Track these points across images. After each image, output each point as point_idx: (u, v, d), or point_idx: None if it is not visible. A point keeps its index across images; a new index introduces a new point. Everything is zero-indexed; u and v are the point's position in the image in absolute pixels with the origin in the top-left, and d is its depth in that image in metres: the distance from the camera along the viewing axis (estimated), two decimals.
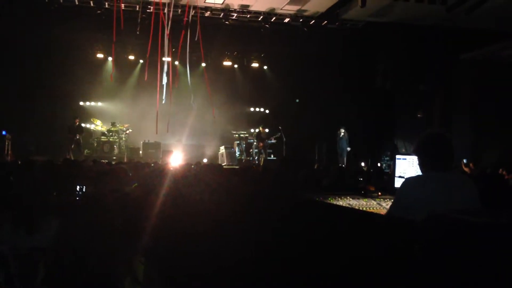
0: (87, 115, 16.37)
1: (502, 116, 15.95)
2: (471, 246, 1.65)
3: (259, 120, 17.21)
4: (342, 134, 15.49)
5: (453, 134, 15.13)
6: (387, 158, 15.58)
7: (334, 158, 15.51)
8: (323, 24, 14.44)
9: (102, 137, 15.59)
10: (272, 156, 15.76)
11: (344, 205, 3.37)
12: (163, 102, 12.09)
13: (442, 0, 11.38)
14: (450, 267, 1.65)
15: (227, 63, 17.29)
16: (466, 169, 9.79)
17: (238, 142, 16.39)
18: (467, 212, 1.96)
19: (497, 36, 14.49)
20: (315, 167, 10.98)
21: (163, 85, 11.97)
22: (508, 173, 9.15)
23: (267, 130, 15.94)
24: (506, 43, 14.92)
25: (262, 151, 15.48)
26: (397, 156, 3.92)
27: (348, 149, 15.49)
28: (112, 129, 15.64)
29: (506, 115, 15.94)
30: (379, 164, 14.49)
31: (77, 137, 14.41)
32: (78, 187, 4.20)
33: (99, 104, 17.19)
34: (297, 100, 17.37)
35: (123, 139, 15.82)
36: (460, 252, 1.65)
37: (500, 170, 9.91)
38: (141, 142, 15.62)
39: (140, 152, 15.60)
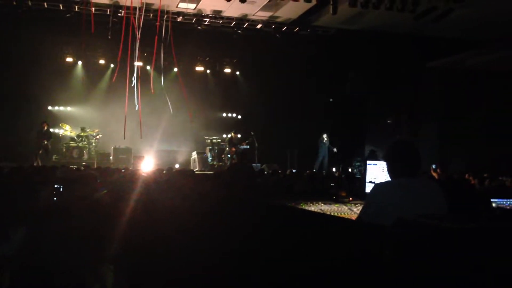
0: (56, 120, 16.03)
1: (468, 123, 16.40)
2: (439, 250, 1.68)
3: (231, 125, 17.18)
4: (325, 140, 15.58)
5: (421, 140, 15.47)
6: (358, 164, 15.77)
7: (306, 164, 15.60)
8: (295, 30, 14.56)
9: (71, 142, 15.29)
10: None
11: (315, 210, 3.39)
12: (136, 108, 11.95)
13: (411, 9, 11.62)
14: (419, 270, 1.68)
15: (200, 68, 17.24)
16: (434, 174, 10.01)
17: (210, 147, 16.32)
18: (435, 217, 2.00)
19: (463, 45, 14.92)
20: (287, 172, 11.03)
21: (134, 90, 11.83)
22: (474, 178, 9.39)
23: (239, 136, 15.94)
24: (471, 52, 15.37)
25: (235, 156, 15.45)
26: (368, 162, 3.98)
27: (335, 150, 15.60)
28: (82, 134, 15.36)
29: (471, 122, 16.40)
30: (350, 170, 14.65)
31: (45, 142, 14.08)
32: (47, 194, 4.11)
33: (68, 108, 16.87)
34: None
35: (93, 144, 15.56)
36: (428, 256, 1.68)
37: (467, 175, 10.17)
38: (112, 148, 15.38)
39: (111, 157, 15.35)
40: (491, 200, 3.57)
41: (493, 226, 2.00)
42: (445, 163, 11.17)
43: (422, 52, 15.36)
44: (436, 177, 9.65)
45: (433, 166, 10.36)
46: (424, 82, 16.87)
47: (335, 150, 15.65)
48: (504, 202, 3.61)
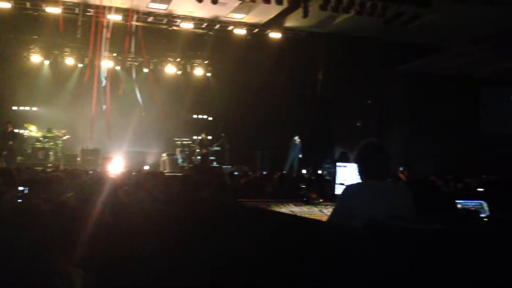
0: (21, 120, 15.62)
1: (434, 126, 16.80)
2: (408, 251, 1.71)
3: (202, 127, 17.09)
4: (297, 142, 15.63)
5: (389, 142, 15.75)
6: (328, 166, 15.92)
7: (277, 166, 15.65)
8: (266, 32, 14.61)
9: (37, 143, 14.90)
10: (215, 163, 15.70)
11: (286, 212, 3.40)
12: (104, 108, 11.75)
13: (380, 14, 11.81)
14: (388, 271, 1.69)
15: (170, 69, 17.09)
16: (401, 176, 10.19)
17: (180, 149, 16.19)
18: (403, 218, 2.03)
19: (430, 50, 15.27)
20: (257, 174, 11.04)
21: (102, 90, 11.64)
22: (439, 180, 9.61)
23: (210, 137, 15.87)
24: (438, 56, 15.75)
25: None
26: (338, 164, 4.01)
27: (300, 156, 15.67)
28: (48, 135, 14.98)
29: (437, 125, 16.81)
30: (320, 172, 14.77)
31: (10, 143, 13.69)
32: (12, 196, 3.99)
33: (34, 108, 16.46)
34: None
35: (60, 145, 15.20)
36: (397, 257, 1.70)
37: (432, 177, 10.39)
38: (79, 149, 15.08)
39: (78, 159, 15.06)
40: (457, 201, 3.65)
41: (460, 227, 2.04)
42: (411, 165, 11.39)
43: (391, 56, 15.64)
44: (403, 179, 9.83)
45: (401, 169, 10.56)
46: (392, 85, 17.18)
47: (300, 156, 15.71)
48: (469, 203, 3.70)
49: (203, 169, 10.90)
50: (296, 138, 15.66)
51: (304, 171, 15.02)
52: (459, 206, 3.61)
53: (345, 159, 12.83)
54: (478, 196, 4.08)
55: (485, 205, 3.74)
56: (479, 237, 1.77)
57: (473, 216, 2.99)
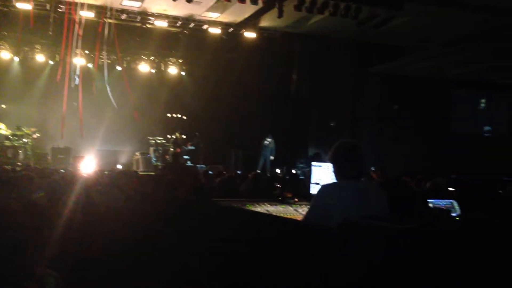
0: None
1: (405, 127, 17.11)
2: (382, 249, 1.73)
3: (176, 126, 16.97)
4: (268, 142, 15.60)
5: (362, 142, 15.93)
6: (302, 165, 16.01)
7: (251, 165, 15.67)
8: (241, 32, 14.60)
9: (6, 141, 14.51)
10: (189, 162, 15.61)
11: (262, 211, 3.40)
12: (75, 105, 11.54)
13: (353, 15, 11.94)
14: (363, 269, 1.71)
15: (144, 67, 16.90)
16: (374, 176, 10.32)
17: (154, 148, 16.04)
18: (378, 218, 2.06)
19: (402, 52, 15.54)
20: (232, 173, 11.02)
21: (72, 87, 11.41)
22: (411, 180, 9.77)
23: (184, 136, 15.76)
24: (409, 59, 16.03)
25: (179, 157, 15.28)
26: (313, 163, 4.03)
27: (272, 158, 15.65)
28: (17, 133, 14.61)
29: (408, 126, 17.12)
30: (294, 171, 14.83)
31: None
32: None
33: (3, 106, 16.03)
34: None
35: (30, 143, 14.85)
36: (372, 255, 1.73)
37: (404, 177, 10.56)
38: (50, 147, 14.78)
39: (49, 157, 14.75)
40: (428, 201, 3.72)
41: (433, 226, 2.08)
42: (383, 166, 11.55)
43: (364, 58, 15.84)
44: (376, 178, 9.96)
45: (372, 169, 10.69)
46: (365, 87, 17.41)
47: (271, 158, 15.71)
48: (440, 203, 3.78)
49: (175, 168, 10.93)
50: (268, 139, 15.63)
51: (278, 171, 15.07)
52: (430, 205, 3.68)
53: (319, 159, 12.94)
54: (449, 196, 4.16)
55: (455, 204, 3.83)
56: (452, 236, 1.80)
57: (445, 215, 3.05)
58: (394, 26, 12.32)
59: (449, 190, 6.28)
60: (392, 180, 7.25)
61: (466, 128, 19.29)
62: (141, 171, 13.54)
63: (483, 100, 19.94)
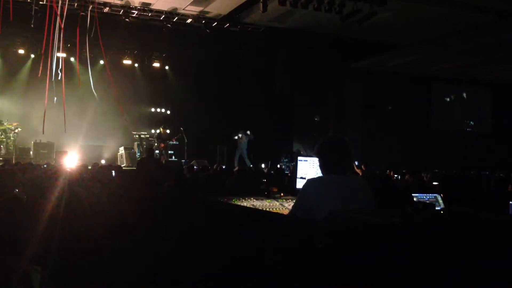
0: None
1: (387, 122, 17.29)
2: (367, 242, 1.75)
3: (160, 120, 16.88)
4: (238, 137, 15.52)
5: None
6: (286, 160, 16.07)
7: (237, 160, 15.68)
8: (225, 26, 14.55)
9: None
10: (173, 157, 15.54)
11: (248, 206, 3.40)
12: (55, 100, 11.34)
13: (337, 10, 11.97)
14: (348, 262, 1.73)
15: (127, 61, 16.74)
16: (358, 171, 10.41)
17: (138, 143, 15.93)
18: (363, 212, 2.08)
19: (384, 48, 15.66)
20: (217, 168, 11.01)
21: (54, 82, 11.21)
22: (394, 175, 9.89)
23: (168, 131, 15.68)
24: (391, 54, 16.16)
25: (163, 152, 15.20)
26: (299, 158, 4.05)
27: (245, 151, 15.61)
28: None
29: (391, 121, 17.30)
30: (279, 166, 14.88)
31: None
32: None
33: None
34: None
35: (11, 138, 14.63)
36: (357, 249, 1.74)
37: (388, 171, 10.68)
38: (32, 142, 14.58)
39: (31, 152, 14.56)
40: (413, 195, 3.77)
41: (416, 220, 2.10)
42: (367, 160, 11.66)
43: (347, 53, 15.92)
44: (360, 173, 10.05)
45: (356, 163, 10.77)
46: (348, 82, 17.52)
47: (245, 151, 15.64)
48: (424, 197, 3.82)
49: (149, 164, 10.93)
50: (240, 134, 15.56)
51: (263, 166, 15.09)
52: (415, 199, 3.72)
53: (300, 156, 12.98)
54: (432, 190, 4.22)
55: (439, 198, 3.88)
56: (436, 229, 1.83)
57: (429, 209, 3.09)
58: (377, 21, 12.39)
59: (433, 184, 6.38)
60: (376, 174, 7.34)
61: (447, 124, 19.57)
62: (125, 166, 13.45)
63: (464, 95, 20.23)
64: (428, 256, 1.62)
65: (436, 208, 3.54)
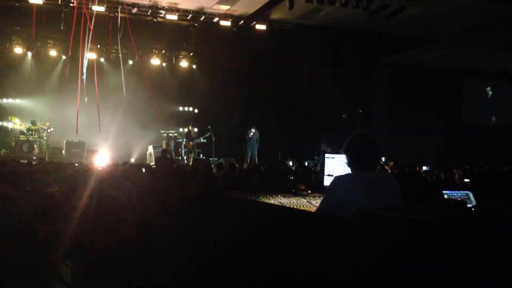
0: (4, 112, 15.41)
1: (416, 118, 16.98)
2: (395, 240, 1.72)
3: (188, 119, 17.02)
4: (252, 134, 15.49)
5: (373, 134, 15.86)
6: (315, 157, 15.99)
7: (263, 158, 15.67)
8: (252, 24, 14.55)
9: (21, 136, 14.71)
10: (201, 155, 15.66)
11: (275, 203, 3.40)
12: (86, 100, 11.59)
13: (365, 6, 11.84)
14: (376, 259, 1.71)
15: (155, 61, 16.95)
16: (386, 167, 10.28)
17: (166, 141, 16.12)
18: (391, 209, 2.05)
19: (414, 42, 15.38)
20: (244, 166, 11.04)
21: (85, 82, 11.47)
22: (424, 171, 9.72)
23: (196, 130, 15.81)
24: (421, 49, 15.87)
25: (192, 150, 15.33)
26: (326, 155, 4.02)
27: (256, 148, 15.58)
28: (32, 127, 14.79)
29: (420, 117, 16.99)
30: (306, 163, 14.82)
31: None
32: None
33: (18, 101, 16.22)
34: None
35: (44, 138, 15.03)
36: (385, 246, 1.72)
37: (417, 168, 10.52)
38: (64, 141, 14.93)
39: (63, 151, 14.91)
40: (443, 192, 3.69)
41: (446, 217, 2.07)
42: (397, 156, 11.51)
43: (375, 48, 15.72)
44: (388, 170, 9.92)
45: (383, 159, 10.64)
46: (376, 78, 17.29)
47: (256, 148, 15.58)
48: (455, 194, 3.74)
49: (163, 161, 11.09)
50: (252, 130, 15.52)
51: (290, 163, 15.06)
52: (446, 196, 3.65)
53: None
54: (464, 187, 4.13)
55: (471, 195, 3.79)
56: (467, 227, 1.79)
57: (460, 206, 3.02)
58: (405, 16, 12.20)
59: (464, 181, 6.24)
60: (406, 171, 7.22)
61: (478, 119, 19.11)
62: (154, 165, 13.63)
63: (495, 90, 19.70)
64: (458, 254, 1.60)
65: (468, 206, 3.47)
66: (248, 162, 14.88)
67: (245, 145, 15.54)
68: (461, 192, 3.80)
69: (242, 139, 15.74)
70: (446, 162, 11.57)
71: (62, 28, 12.27)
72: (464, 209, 2.85)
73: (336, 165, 3.90)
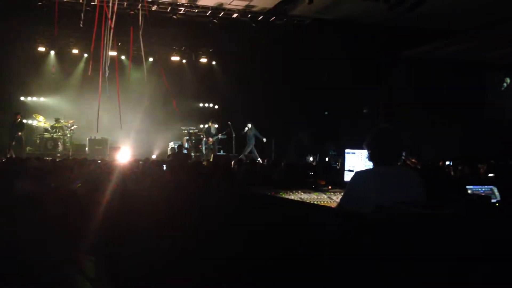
0: (29, 110, 15.70)
1: (439, 111, 16.72)
2: (417, 235, 1.71)
3: (208, 115, 17.11)
4: (248, 129, 15.45)
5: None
6: (335, 153, 15.89)
7: (283, 153, 15.66)
8: (271, 20, 14.50)
9: (45, 133, 15.00)
10: (221, 151, 15.72)
11: (295, 199, 3.40)
12: (108, 93, 11.71)
13: None
14: (398, 255, 1.70)
15: (175, 58, 17.06)
16: (408, 162, 10.15)
17: (187, 137, 16.23)
18: (413, 204, 2.03)
19: (436, 35, 15.12)
20: (264, 162, 11.05)
21: (106, 79, 11.59)
22: (448, 166, 9.57)
23: (216, 126, 15.88)
24: (444, 42, 15.60)
25: (212, 146, 15.40)
26: (346, 150, 3.99)
27: (264, 140, 15.54)
28: (56, 125, 15.06)
29: (442, 111, 16.72)
30: (327, 159, 14.75)
31: (19, 134, 13.78)
32: (22, 185, 4.03)
33: (42, 99, 16.52)
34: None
35: (68, 135, 15.30)
36: (407, 242, 1.70)
37: (441, 163, 10.36)
38: (87, 139, 15.16)
39: (86, 148, 15.14)
40: (467, 187, 3.63)
41: (470, 212, 2.04)
42: (419, 151, 11.35)
43: (396, 42, 15.51)
44: (411, 165, 9.79)
45: (404, 154, 10.50)
46: (398, 71, 17.07)
47: (264, 140, 15.58)
48: (479, 189, 3.68)
49: (179, 156, 11.19)
50: (249, 125, 15.47)
51: (311, 159, 15.01)
52: (469, 191, 3.59)
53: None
54: (488, 182, 4.06)
55: (495, 190, 3.72)
56: (490, 221, 1.76)
57: (483, 202, 2.97)
58: (427, 8, 11.99)
59: (489, 176, 6.13)
60: (429, 166, 7.13)
61: (503, 112, 18.72)
62: (169, 156, 13.74)
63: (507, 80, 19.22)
64: (482, 249, 1.57)
65: (492, 201, 3.40)
66: (246, 155, 14.88)
67: (246, 141, 15.57)
68: (485, 187, 3.73)
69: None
70: (470, 157, 11.35)
71: (81, 25, 12.41)
72: (488, 204, 2.80)
73: (356, 160, 3.88)
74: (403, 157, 10.32)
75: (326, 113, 17.55)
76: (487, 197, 3.37)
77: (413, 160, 10.39)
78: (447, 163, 10.41)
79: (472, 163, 7.69)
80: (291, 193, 3.56)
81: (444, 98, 16.73)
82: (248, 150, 15.44)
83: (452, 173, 7.73)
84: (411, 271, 1.65)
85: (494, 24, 13.70)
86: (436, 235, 1.68)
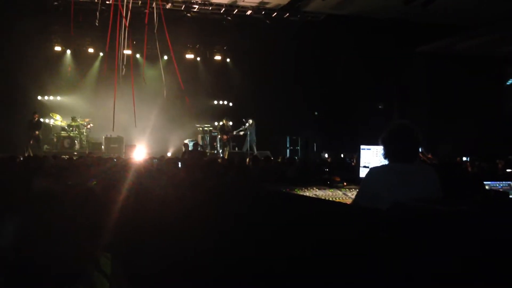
0: (46, 109, 15.90)
1: (455, 107, 16.52)
2: (433, 232, 1.69)
3: (223, 113, 17.14)
4: (248, 125, 15.36)
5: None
6: (349, 150, 15.82)
7: (298, 150, 15.64)
8: (285, 16, 14.47)
9: (62, 132, 15.18)
10: (236, 149, 15.74)
11: (310, 195, 3.39)
12: (123, 87, 11.79)
13: None
14: (414, 252, 1.68)
15: (190, 56, 17.11)
16: (424, 158, 10.06)
17: (202, 135, 16.28)
18: (429, 200, 2.01)
19: (452, 30, 14.94)
20: (279, 159, 11.03)
21: (121, 79, 11.67)
22: (465, 162, 9.47)
23: (230, 123, 15.90)
24: (459, 37, 15.40)
25: (227, 143, 15.43)
26: (362, 147, 3.97)
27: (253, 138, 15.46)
28: (73, 123, 15.24)
29: (458, 106, 16.52)
30: (342, 155, 14.69)
31: (36, 133, 13.97)
32: (40, 183, 4.08)
33: (58, 98, 16.72)
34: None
35: (84, 134, 15.46)
36: (423, 238, 1.69)
37: (458, 159, 10.26)
38: (103, 137, 15.30)
39: (102, 147, 15.29)
40: (485, 182, 3.59)
41: (486, 208, 2.01)
42: (435, 147, 11.23)
43: (411, 37, 15.36)
44: (427, 161, 9.71)
45: (420, 150, 10.41)
46: (413, 67, 16.91)
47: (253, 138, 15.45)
48: (497, 184, 3.63)
49: (194, 154, 11.20)
50: (250, 121, 15.38)
51: (325, 155, 14.96)
52: (486, 187, 3.55)
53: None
54: (506, 177, 4.01)
55: None
56: (508, 217, 1.74)
57: (501, 197, 2.93)
58: (441, 3, 11.85)
59: (507, 172, 6.05)
60: (446, 162, 7.07)
61: None
62: (184, 153, 13.80)
63: None
64: (500, 249, 1.55)
65: (510, 196, 3.36)
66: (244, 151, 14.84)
67: (245, 136, 15.54)
68: (503, 182, 3.68)
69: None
70: (487, 153, 11.20)
71: (97, 24, 12.52)
72: (506, 199, 2.77)
73: (372, 157, 3.85)
74: (420, 152, 10.26)
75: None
76: (505, 193, 3.33)
77: (429, 156, 10.31)
78: (464, 159, 10.29)
79: (489, 158, 7.61)
80: (306, 190, 3.55)
81: (460, 94, 16.53)
82: (247, 146, 15.39)
83: (469, 169, 7.65)
84: (429, 269, 1.64)
85: (509, 18, 13.48)
86: (453, 231, 1.66)
